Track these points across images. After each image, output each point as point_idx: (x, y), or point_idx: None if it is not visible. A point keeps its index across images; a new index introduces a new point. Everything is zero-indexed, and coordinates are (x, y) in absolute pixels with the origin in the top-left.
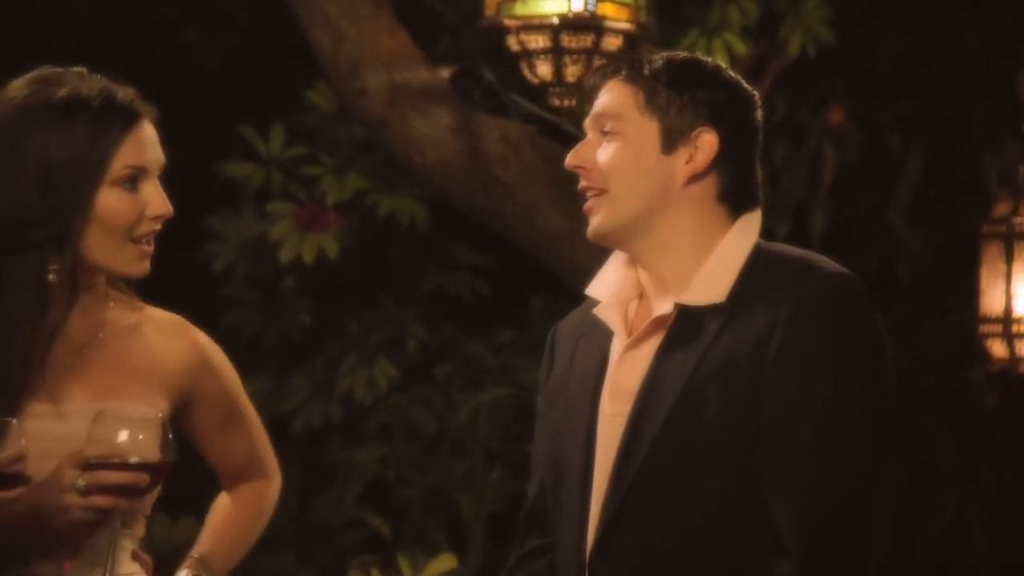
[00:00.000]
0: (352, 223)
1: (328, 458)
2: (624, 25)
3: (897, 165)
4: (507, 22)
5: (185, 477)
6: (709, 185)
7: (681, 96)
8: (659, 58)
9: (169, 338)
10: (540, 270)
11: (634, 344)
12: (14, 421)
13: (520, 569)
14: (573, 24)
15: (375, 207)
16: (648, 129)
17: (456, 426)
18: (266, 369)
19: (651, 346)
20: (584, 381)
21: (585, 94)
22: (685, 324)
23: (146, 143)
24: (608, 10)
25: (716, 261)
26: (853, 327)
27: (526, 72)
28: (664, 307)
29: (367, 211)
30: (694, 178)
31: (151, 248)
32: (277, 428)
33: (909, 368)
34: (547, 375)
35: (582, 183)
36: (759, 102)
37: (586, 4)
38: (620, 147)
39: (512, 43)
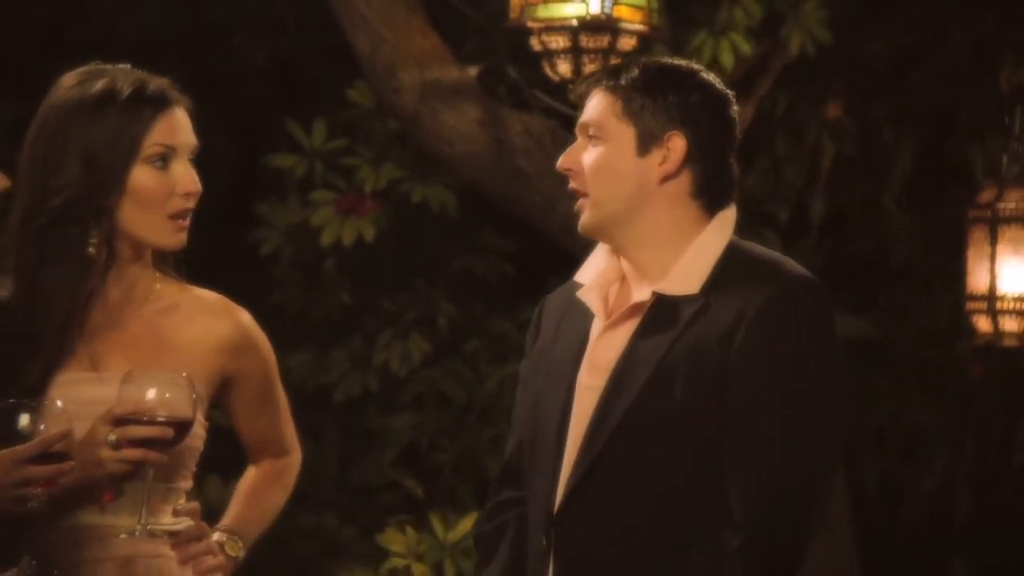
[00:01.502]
0: (387, 210)
1: (366, 425)
2: (638, 27)
3: (890, 156)
4: (530, 24)
5: (235, 440)
6: (683, 183)
7: (655, 101)
8: (637, 66)
9: (213, 317)
10: (559, 253)
11: (612, 325)
12: (59, 403)
13: (494, 517)
14: (591, 26)
15: (408, 195)
16: (626, 134)
17: (483, 396)
18: (309, 344)
19: (628, 328)
20: (566, 354)
21: (575, 102)
22: (660, 310)
23: (176, 126)
24: (623, 12)
25: (692, 255)
26: (814, 326)
27: (547, 70)
28: (642, 294)
29: (401, 198)
30: (668, 177)
31: (186, 223)
32: (319, 398)
33: (901, 343)
34: (532, 343)
35: (571, 184)
36: (733, 101)
37: (603, 7)
38: (601, 152)
39: (534, 43)
